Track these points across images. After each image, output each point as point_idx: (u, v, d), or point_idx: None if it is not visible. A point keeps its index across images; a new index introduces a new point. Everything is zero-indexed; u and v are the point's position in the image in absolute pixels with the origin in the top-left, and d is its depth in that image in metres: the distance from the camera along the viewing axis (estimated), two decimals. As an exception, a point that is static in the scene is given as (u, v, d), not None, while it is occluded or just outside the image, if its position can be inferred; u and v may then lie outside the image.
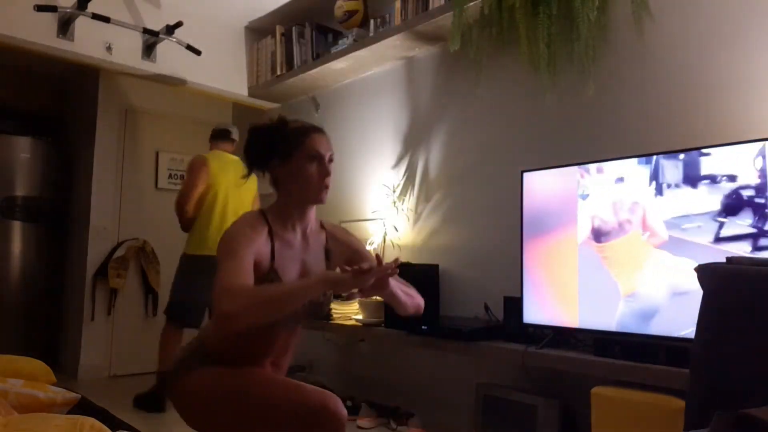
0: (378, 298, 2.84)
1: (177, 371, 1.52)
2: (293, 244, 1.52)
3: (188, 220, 3.49)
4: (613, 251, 2.07)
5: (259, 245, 1.42)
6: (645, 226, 1.99)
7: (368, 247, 3.31)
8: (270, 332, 1.49)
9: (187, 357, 1.53)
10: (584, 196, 2.18)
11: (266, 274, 1.42)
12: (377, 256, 1.36)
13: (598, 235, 2.11)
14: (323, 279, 1.33)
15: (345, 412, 1.39)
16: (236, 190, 3.41)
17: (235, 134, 3.68)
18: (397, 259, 1.35)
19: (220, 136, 3.65)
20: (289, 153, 1.48)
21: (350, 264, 1.39)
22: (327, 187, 1.50)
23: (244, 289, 1.28)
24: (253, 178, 3.24)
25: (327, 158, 1.51)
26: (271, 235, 1.46)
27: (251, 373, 1.47)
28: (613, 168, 2.10)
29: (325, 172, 1.49)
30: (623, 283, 2.02)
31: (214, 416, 1.45)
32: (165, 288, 4.33)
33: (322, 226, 1.63)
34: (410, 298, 1.53)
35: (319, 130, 1.54)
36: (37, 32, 3.22)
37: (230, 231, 1.42)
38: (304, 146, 1.48)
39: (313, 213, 1.56)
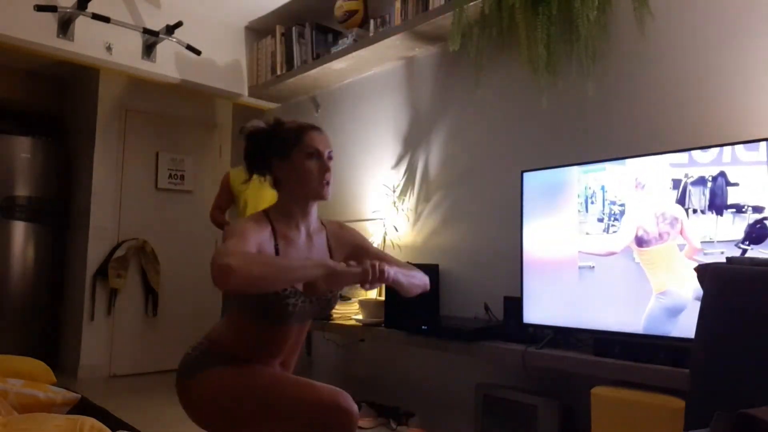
0: (379, 297, 2.83)
1: (187, 373, 1.50)
2: (297, 243, 1.52)
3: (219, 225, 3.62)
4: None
5: (263, 241, 1.42)
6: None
7: (368, 247, 3.31)
8: (280, 330, 1.50)
9: (197, 358, 1.51)
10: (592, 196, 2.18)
11: None
12: (372, 262, 1.34)
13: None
14: (322, 263, 1.34)
15: (356, 408, 1.40)
16: (258, 192, 3.53)
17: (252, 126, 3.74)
18: (379, 265, 1.34)
19: None
20: (288, 152, 1.49)
21: (353, 259, 1.42)
22: (328, 183, 1.51)
23: (245, 251, 1.31)
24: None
25: (326, 155, 1.51)
26: (274, 233, 1.47)
27: (263, 372, 1.47)
28: (615, 167, 2.11)
29: (324, 168, 1.49)
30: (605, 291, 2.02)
31: (227, 416, 1.44)
32: (165, 288, 4.35)
33: (322, 224, 1.63)
34: (413, 280, 1.51)
35: (316, 128, 1.54)
36: (37, 32, 3.22)
37: (234, 225, 1.48)
38: (302, 144, 1.48)
39: (314, 211, 1.57)
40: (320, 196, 1.50)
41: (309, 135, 1.50)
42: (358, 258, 1.44)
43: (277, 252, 1.46)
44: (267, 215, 1.50)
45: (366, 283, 1.33)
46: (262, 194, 3.60)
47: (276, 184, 1.55)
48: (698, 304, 1.34)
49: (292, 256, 1.48)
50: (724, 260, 1.53)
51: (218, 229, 4.06)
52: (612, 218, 2.09)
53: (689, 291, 1.86)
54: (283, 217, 1.51)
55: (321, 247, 1.58)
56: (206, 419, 1.48)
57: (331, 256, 1.59)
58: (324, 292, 1.51)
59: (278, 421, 1.41)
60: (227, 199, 3.70)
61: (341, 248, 1.62)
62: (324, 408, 1.37)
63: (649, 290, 1.96)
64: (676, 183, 1.94)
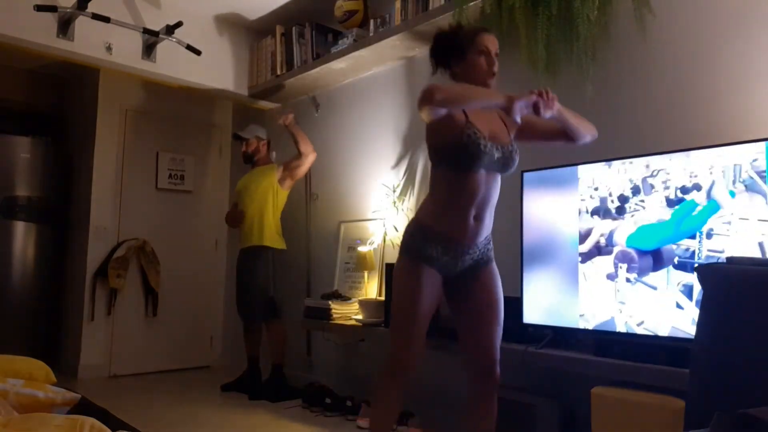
0: (379, 297, 2.83)
1: (405, 255, 1.86)
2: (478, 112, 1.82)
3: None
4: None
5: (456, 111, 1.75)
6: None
7: (369, 247, 3.31)
8: (471, 177, 1.76)
9: (412, 243, 1.84)
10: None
11: (464, 125, 1.74)
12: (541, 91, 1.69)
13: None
14: (503, 94, 1.68)
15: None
16: (249, 190, 3.79)
17: (247, 134, 3.92)
18: (548, 91, 1.69)
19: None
20: (463, 51, 1.81)
21: (521, 128, 1.89)
22: (494, 74, 1.83)
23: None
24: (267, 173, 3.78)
25: (493, 53, 1.82)
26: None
27: (417, 301, 1.82)
28: (617, 167, 2.11)
29: (491, 62, 1.81)
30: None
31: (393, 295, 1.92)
32: (165, 288, 4.35)
33: None
34: (583, 121, 1.89)
35: (486, 30, 1.84)
36: (37, 32, 3.22)
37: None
38: (474, 43, 1.80)
39: None
40: (487, 86, 1.81)
41: (480, 36, 1.81)
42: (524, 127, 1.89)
43: (465, 113, 1.77)
44: None
45: (540, 103, 1.66)
46: (254, 193, 3.74)
47: (454, 78, 1.86)
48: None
49: (479, 122, 1.77)
50: (725, 260, 1.53)
51: (218, 230, 4.41)
52: (613, 217, 2.09)
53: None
54: None
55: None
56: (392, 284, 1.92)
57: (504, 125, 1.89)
58: (507, 143, 1.82)
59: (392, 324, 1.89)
60: (235, 204, 3.99)
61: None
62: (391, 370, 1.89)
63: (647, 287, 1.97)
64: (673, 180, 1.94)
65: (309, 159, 3.68)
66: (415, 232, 1.84)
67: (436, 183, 1.85)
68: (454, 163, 1.77)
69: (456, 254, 1.82)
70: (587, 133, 1.91)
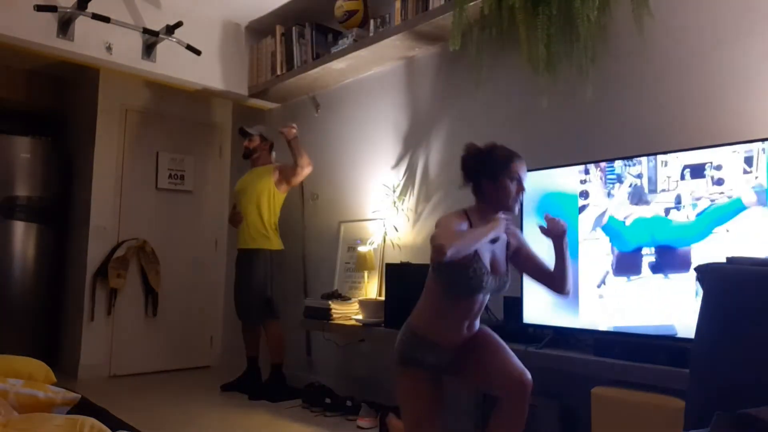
0: (379, 297, 2.82)
1: (397, 360, 1.94)
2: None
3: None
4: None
5: (461, 230, 1.81)
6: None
7: (369, 247, 3.32)
8: (471, 300, 1.87)
9: (400, 346, 1.93)
10: (584, 195, 2.18)
11: (473, 259, 1.79)
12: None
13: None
14: (496, 224, 1.79)
15: None
16: (246, 192, 3.78)
17: (253, 130, 3.91)
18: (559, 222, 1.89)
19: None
20: (496, 174, 1.85)
21: (518, 251, 1.97)
22: (519, 200, 1.90)
23: (449, 230, 1.77)
24: (263, 173, 3.76)
25: (523, 180, 1.88)
26: (470, 225, 1.85)
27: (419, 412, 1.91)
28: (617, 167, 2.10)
29: (520, 189, 1.87)
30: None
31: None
32: (165, 288, 4.35)
33: None
34: (569, 276, 1.91)
35: (519, 156, 1.89)
36: (37, 32, 3.22)
37: (441, 219, 1.88)
38: (509, 170, 1.85)
39: None
40: (512, 209, 1.89)
41: (515, 163, 1.86)
42: (521, 251, 1.99)
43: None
44: (465, 213, 1.89)
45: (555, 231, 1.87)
46: (251, 193, 3.74)
47: (477, 192, 1.92)
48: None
49: (483, 251, 1.84)
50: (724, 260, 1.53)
51: (218, 230, 4.44)
52: (610, 212, 2.10)
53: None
54: (479, 216, 1.89)
55: (502, 241, 1.94)
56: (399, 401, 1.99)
57: (508, 249, 1.96)
58: (503, 273, 1.91)
59: None
60: (234, 205, 3.98)
61: (515, 243, 1.99)
62: None
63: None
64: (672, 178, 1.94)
65: (305, 172, 3.68)
66: (407, 339, 1.93)
67: (434, 293, 1.91)
68: (455, 286, 1.84)
69: (443, 357, 1.91)
70: (566, 286, 1.93)
